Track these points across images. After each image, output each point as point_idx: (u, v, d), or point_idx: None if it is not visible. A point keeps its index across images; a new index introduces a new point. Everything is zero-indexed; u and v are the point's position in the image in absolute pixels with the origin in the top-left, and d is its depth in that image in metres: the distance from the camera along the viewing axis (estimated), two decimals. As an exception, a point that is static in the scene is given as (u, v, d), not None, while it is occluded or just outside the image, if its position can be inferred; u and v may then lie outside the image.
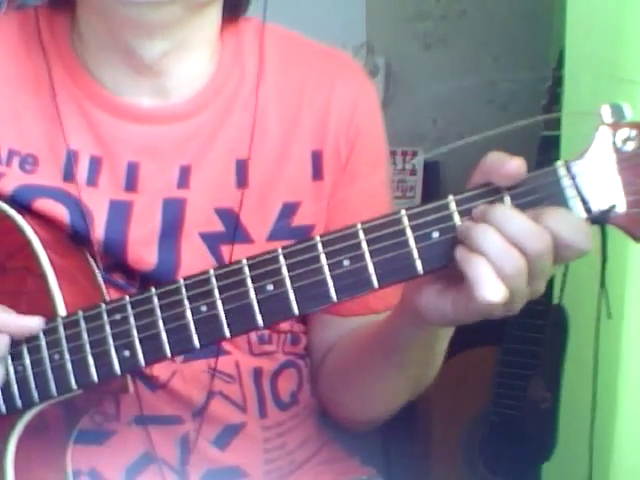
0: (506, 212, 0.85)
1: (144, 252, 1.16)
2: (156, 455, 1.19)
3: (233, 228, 1.19)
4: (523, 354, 1.95)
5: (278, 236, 1.19)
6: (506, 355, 1.98)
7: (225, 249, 1.18)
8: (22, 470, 1.05)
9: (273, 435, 1.25)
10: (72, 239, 1.15)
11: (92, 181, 1.16)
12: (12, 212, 1.11)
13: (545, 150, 1.93)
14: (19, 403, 1.03)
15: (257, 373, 1.23)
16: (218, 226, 1.18)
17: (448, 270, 0.88)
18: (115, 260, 1.17)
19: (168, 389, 1.18)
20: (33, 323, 1.02)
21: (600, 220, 0.85)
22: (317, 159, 1.22)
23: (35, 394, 1.02)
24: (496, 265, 0.85)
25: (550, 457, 1.78)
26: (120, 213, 1.16)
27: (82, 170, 1.16)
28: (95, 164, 1.16)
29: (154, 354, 0.97)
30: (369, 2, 2.78)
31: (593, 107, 1.48)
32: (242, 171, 1.19)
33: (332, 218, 1.23)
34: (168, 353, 0.96)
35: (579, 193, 0.85)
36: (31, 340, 1.02)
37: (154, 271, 1.16)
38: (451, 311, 0.91)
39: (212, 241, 1.18)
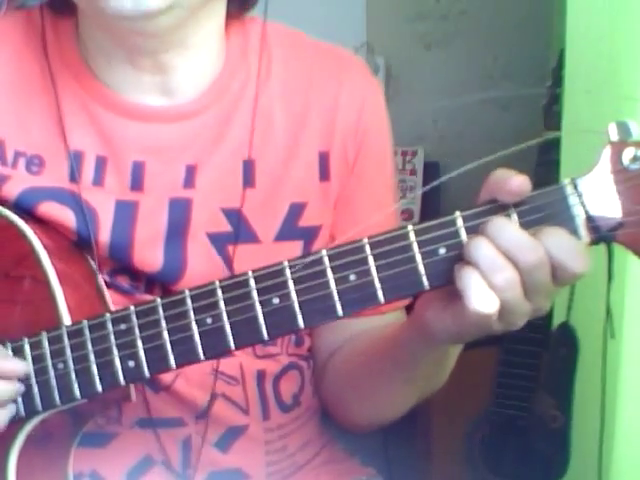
0: (500, 224, 0.86)
1: (150, 253, 1.16)
2: (158, 457, 1.19)
3: (240, 228, 1.19)
4: (524, 355, 1.94)
5: (285, 236, 1.20)
6: (507, 356, 1.98)
7: (232, 249, 1.18)
8: (24, 476, 1.06)
9: (275, 437, 1.26)
10: (77, 241, 1.15)
11: (98, 181, 1.16)
12: (16, 219, 1.11)
13: (546, 151, 1.92)
14: (22, 411, 1.03)
15: (260, 375, 1.24)
16: (225, 226, 1.18)
17: (453, 285, 0.88)
18: (120, 262, 1.16)
19: (171, 391, 1.18)
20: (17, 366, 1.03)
21: (606, 239, 0.86)
22: (324, 160, 1.22)
23: (39, 403, 1.02)
24: (486, 276, 0.85)
25: (563, 475, 1.79)
26: (126, 213, 1.16)
27: (88, 170, 1.16)
28: (101, 164, 1.16)
29: (159, 365, 0.97)
30: (369, 2, 2.77)
31: (593, 107, 1.48)
32: (249, 171, 1.19)
33: (338, 218, 1.24)
34: (173, 364, 0.96)
35: (585, 211, 0.85)
36: (35, 348, 1.02)
37: (160, 272, 1.16)
38: (452, 325, 0.91)
39: (219, 241, 1.18)
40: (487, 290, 0.85)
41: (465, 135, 2.67)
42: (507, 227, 0.86)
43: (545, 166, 1.81)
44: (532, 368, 1.94)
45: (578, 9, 1.60)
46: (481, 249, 0.85)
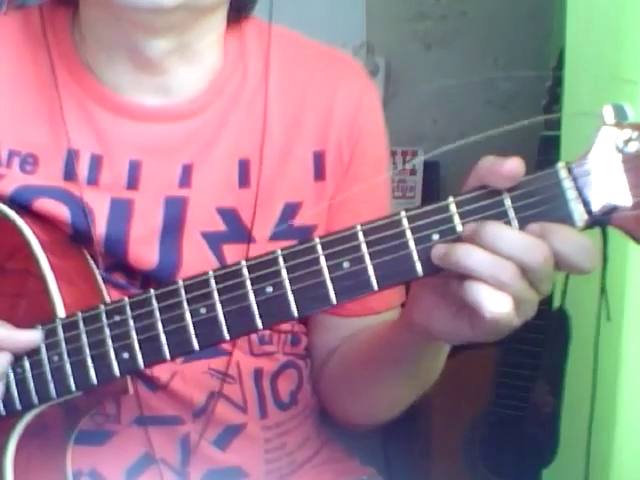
0: (496, 229, 0.85)
1: (145, 251, 1.16)
2: (156, 456, 1.19)
3: (235, 227, 1.19)
4: (524, 354, 1.94)
5: (280, 236, 1.19)
6: (507, 355, 1.98)
7: (227, 248, 1.18)
8: (22, 471, 1.05)
9: (273, 435, 1.25)
10: (73, 239, 1.15)
11: (93, 180, 1.16)
12: (11, 213, 1.10)
13: (545, 150, 1.93)
14: (18, 405, 1.03)
15: (257, 373, 1.23)
16: (220, 225, 1.18)
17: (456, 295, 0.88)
18: (116, 259, 1.16)
19: (169, 390, 1.18)
20: (32, 336, 1.02)
21: (601, 222, 0.85)
22: (319, 160, 1.22)
23: (34, 396, 1.02)
24: (490, 279, 0.84)
25: (552, 461, 1.78)
26: (121, 211, 1.16)
27: (83, 169, 1.16)
28: (96, 162, 1.16)
29: (153, 356, 0.97)
30: (369, 2, 2.77)
31: (593, 107, 1.48)
32: (244, 171, 1.19)
33: (333, 219, 1.24)
34: (167, 355, 0.96)
35: (580, 195, 0.84)
36: None
37: (155, 270, 1.16)
38: (471, 333, 0.90)
39: (214, 240, 1.18)
40: (497, 294, 0.84)
41: (465, 135, 2.65)
42: (504, 231, 0.85)
43: (545, 166, 1.81)
44: (532, 368, 1.94)
45: (578, 8, 1.60)
46: (475, 256, 0.84)
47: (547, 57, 2.27)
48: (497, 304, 0.84)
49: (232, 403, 1.22)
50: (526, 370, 1.95)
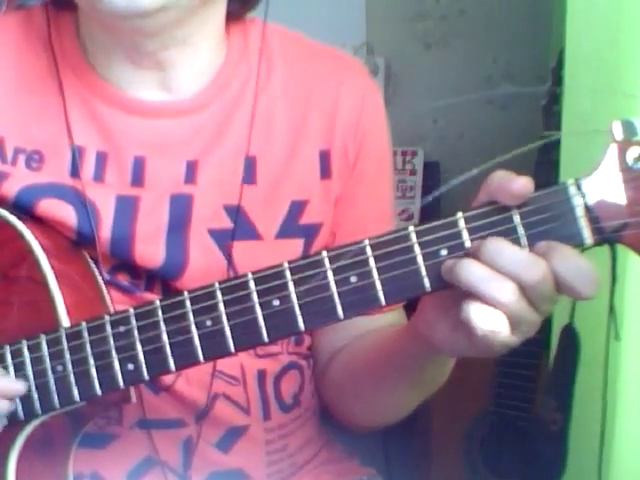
0: (497, 245, 0.84)
1: (151, 248, 1.16)
2: (158, 459, 1.19)
3: (242, 225, 1.19)
4: (523, 355, 1.94)
5: (287, 234, 1.20)
6: (506, 356, 1.97)
7: (234, 245, 1.18)
8: (24, 479, 1.05)
9: (275, 437, 1.26)
10: (77, 239, 1.15)
11: (98, 177, 1.16)
12: (14, 219, 1.11)
13: (545, 151, 1.92)
14: (21, 414, 1.03)
15: (261, 375, 1.24)
16: (226, 222, 1.18)
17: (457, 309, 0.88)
18: (121, 257, 1.16)
19: (172, 392, 1.18)
20: (16, 386, 1.02)
21: (610, 240, 0.84)
22: (325, 158, 1.23)
23: (37, 406, 1.02)
24: (487, 295, 0.84)
25: (561, 477, 1.78)
26: (127, 208, 1.16)
27: (88, 166, 1.16)
28: (101, 159, 1.16)
29: (158, 368, 0.97)
30: (369, 2, 2.77)
31: (593, 108, 1.48)
32: (250, 168, 1.19)
33: (339, 217, 1.24)
34: (172, 367, 0.96)
35: (589, 212, 0.83)
36: (34, 351, 1.02)
37: (161, 268, 1.16)
38: (468, 348, 0.90)
39: (221, 237, 1.18)
40: (489, 311, 0.84)
41: (465, 135, 2.67)
42: (505, 247, 0.84)
43: (545, 166, 1.81)
44: (531, 368, 1.93)
45: (578, 9, 1.59)
46: (474, 272, 0.84)
47: (547, 57, 2.26)
48: (488, 322, 0.84)
49: (236, 405, 1.22)
50: (525, 370, 1.94)
